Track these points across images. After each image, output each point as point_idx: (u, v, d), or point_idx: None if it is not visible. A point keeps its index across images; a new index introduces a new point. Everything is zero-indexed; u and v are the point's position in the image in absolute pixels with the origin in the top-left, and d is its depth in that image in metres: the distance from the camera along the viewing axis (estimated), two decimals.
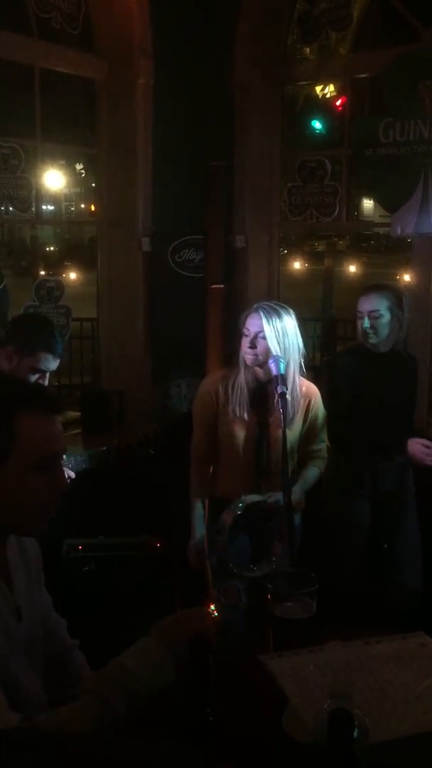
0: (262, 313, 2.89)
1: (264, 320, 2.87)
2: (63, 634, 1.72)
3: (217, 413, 2.99)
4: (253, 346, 2.89)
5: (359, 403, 3.25)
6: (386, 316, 3.21)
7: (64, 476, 1.50)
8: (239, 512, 2.86)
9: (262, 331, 2.87)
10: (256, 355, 2.90)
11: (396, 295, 3.26)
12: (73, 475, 3.00)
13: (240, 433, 2.98)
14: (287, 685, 1.38)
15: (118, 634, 1.79)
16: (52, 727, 1.29)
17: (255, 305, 2.96)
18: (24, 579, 1.54)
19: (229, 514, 2.88)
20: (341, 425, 3.24)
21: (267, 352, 2.88)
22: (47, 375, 2.92)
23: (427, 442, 3.16)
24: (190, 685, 1.19)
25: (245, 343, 2.91)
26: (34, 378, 2.86)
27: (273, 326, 2.88)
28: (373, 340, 3.24)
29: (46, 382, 2.93)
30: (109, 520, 3.58)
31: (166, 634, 1.39)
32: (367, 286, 3.39)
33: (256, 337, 2.89)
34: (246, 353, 2.91)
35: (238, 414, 2.97)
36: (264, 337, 2.87)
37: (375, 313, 3.19)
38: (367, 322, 3.20)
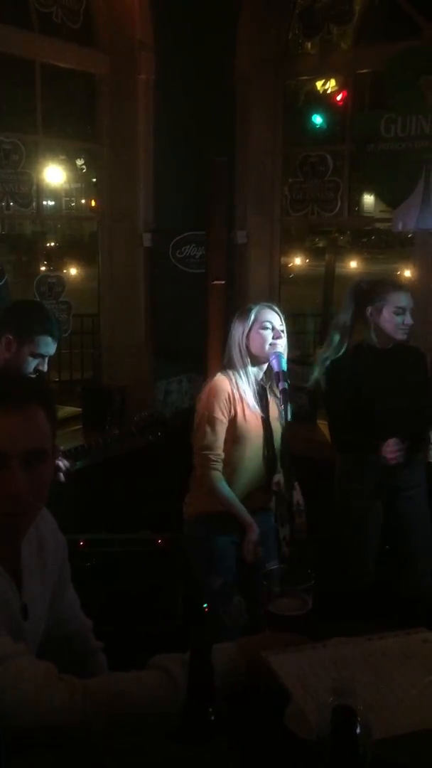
0: (275, 309, 3.02)
1: (279, 315, 3.01)
2: (87, 636, 1.71)
3: (235, 414, 3.00)
4: (278, 337, 2.97)
5: (367, 404, 3.19)
6: None
7: (16, 479, 1.34)
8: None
9: (281, 325, 2.99)
10: (280, 346, 2.99)
11: None
12: (67, 464, 2.98)
13: (253, 429, 3.00)
14: (289, 681, 1.38)
15: (107, 629, 1.80)
16: (114, 685, 1.30)
17: (260, 303, 3.05)
18: (37, 578, 1.53)
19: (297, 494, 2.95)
20: (348, 427, 3.23)
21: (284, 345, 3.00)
22: (46, 360, 2.90)
23: (397, 441, 3.07)
24: (190, 684, 1.19)
25: (269, 336, 2.96)
26: (34, 363, 2.85)
27: (283, 322, 3.03)
28: (407, 335, 3.22)
29: (46, 367, 2.91)
30: (110, 516, 3.58)
31: (251, 645, 1.43)
32: (395, 281, 3.37)
33: (277, 330, 2.98)
34: (275, 345, 2.96)
35: (251, 410, 2.99)
36: (283, 331, 2.99)
37: (412, 309, 3.19)
38: (410, 318, 3.17)
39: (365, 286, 3.23)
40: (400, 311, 3.16)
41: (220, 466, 2.97)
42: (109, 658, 1.73)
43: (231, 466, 3.02)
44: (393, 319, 3.16)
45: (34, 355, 2.85)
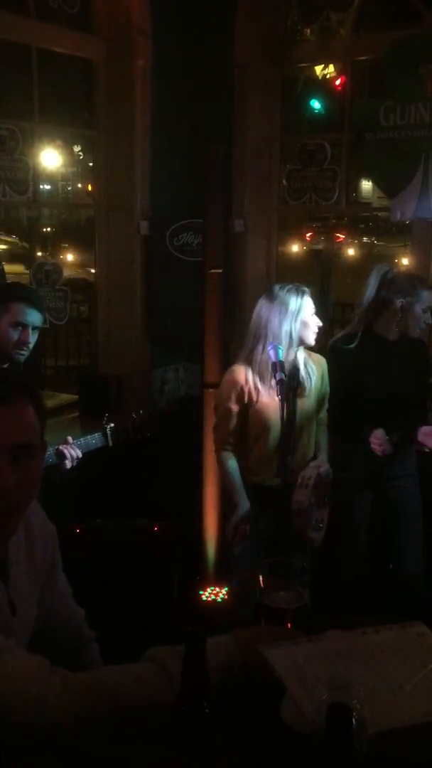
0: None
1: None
2: (80, 626, 1.70)
3: (249, 402, 3.02)
4: (319, 324, 3.00)
5: (362, 391, 3.19)
6: None
7: (2, 473, 1.32)
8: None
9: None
10: None
11: None
12: (79, 454, 3.00)
13: (273, 414, 3.00)
14: (285, 674, 1.38)
15: (101, 618, 1.80)
16: (109, 677, 1.30)
17: (301, 289, 2.98)
18: (26, 572, 1.52)
19: (302, 493, 2.96)
20: (345, 414, 3.23)
21: None
22: (30, 330, 2.80)
23: (384, 433, 3.08)
24: (185, 677, 1.19)
25: (316, 323, 2.98)
26: (16, 334, 2.77)
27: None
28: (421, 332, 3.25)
29: (29, 338, 2.80)
30: (106, 505, 3.58)
31: (246, 638, 1.41)
32: (423, 278, 3.35)
33: (316, 317, 2.99)
34: (316, 334, 2.99)
35: (270, 395, 2.99)
36: None
37: None
38: (430, 317, 3.18)
39: (391, 276, 3.18)
40: (427, 310, 3.18)
41: (229, 447, 3.09)
42: (104, 648, 1.73)
43: (257, 443, 3.06)
44: (421, 316, 3.17)
45: (15, 324, 2.77)
